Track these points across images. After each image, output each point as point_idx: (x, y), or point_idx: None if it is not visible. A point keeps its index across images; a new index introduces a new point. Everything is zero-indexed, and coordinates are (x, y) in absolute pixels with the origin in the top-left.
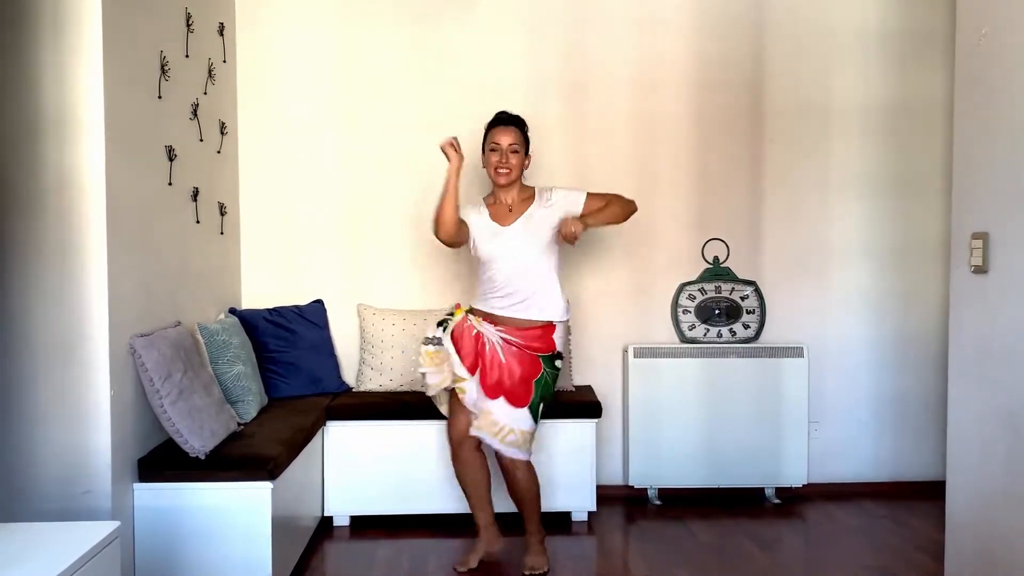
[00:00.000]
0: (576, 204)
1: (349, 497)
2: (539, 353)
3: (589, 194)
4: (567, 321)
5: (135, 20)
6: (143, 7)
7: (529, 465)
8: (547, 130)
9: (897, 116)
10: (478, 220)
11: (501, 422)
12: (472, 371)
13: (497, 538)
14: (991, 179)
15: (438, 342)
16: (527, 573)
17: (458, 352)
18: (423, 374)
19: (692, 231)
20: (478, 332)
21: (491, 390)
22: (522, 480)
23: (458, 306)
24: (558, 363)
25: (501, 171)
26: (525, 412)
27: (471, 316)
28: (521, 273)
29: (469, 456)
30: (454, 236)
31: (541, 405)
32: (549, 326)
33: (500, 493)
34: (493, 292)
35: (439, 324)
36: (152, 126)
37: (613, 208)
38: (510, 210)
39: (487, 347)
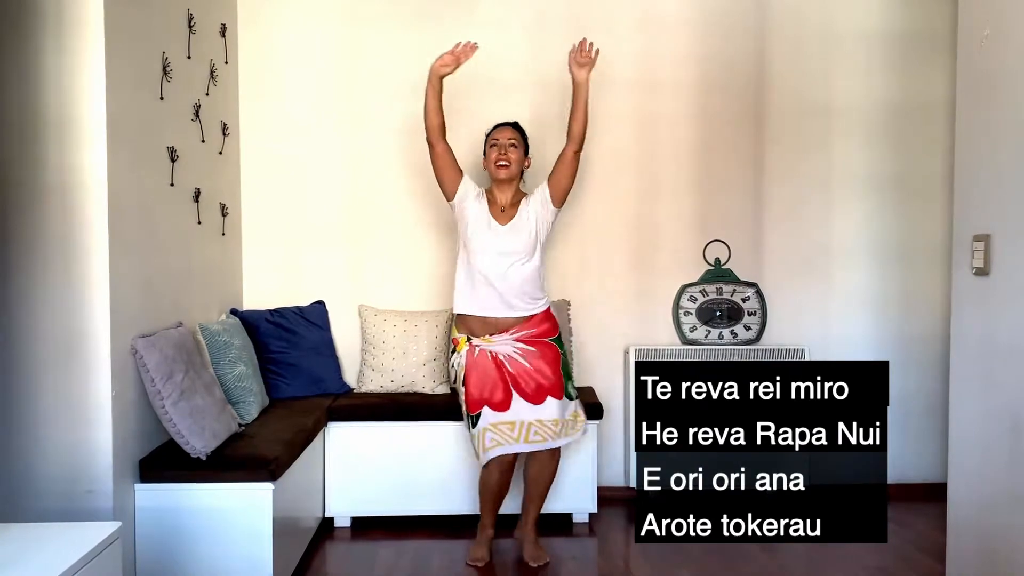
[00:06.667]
0: (544, 191)
1: (350, 498)
2: (551, 337)
3: (548, 180)
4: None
5: (137, 21)
6: (145, 8)
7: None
8: (548, 130)
9: (899, 117)
10: (477, 207)
11: (559, 418)
12: (507, 400)
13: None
14: (993, 181)
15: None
16: (535, 564)
17: (480, 384)
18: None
19: (693, 232)
20: (493, 353)
21: (535, 395)
22: (553, 467)
23: (456, 340)
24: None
25: (501, 164)
26: (566, 400)
27: (475, 340)
28: (516, 273)
29: (509, 474)
30: (439, 121)
31: (570, 381)
32: (546, 311)
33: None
34: (485, 293)
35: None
36: (154, 127)
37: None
38: (502, 211)
39: (505, 363)
